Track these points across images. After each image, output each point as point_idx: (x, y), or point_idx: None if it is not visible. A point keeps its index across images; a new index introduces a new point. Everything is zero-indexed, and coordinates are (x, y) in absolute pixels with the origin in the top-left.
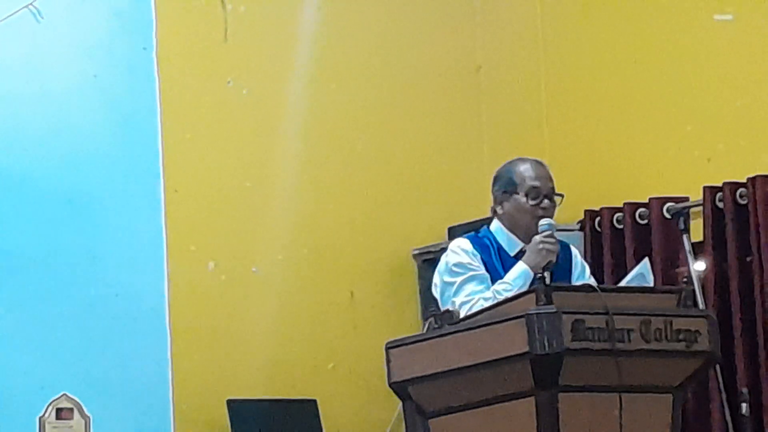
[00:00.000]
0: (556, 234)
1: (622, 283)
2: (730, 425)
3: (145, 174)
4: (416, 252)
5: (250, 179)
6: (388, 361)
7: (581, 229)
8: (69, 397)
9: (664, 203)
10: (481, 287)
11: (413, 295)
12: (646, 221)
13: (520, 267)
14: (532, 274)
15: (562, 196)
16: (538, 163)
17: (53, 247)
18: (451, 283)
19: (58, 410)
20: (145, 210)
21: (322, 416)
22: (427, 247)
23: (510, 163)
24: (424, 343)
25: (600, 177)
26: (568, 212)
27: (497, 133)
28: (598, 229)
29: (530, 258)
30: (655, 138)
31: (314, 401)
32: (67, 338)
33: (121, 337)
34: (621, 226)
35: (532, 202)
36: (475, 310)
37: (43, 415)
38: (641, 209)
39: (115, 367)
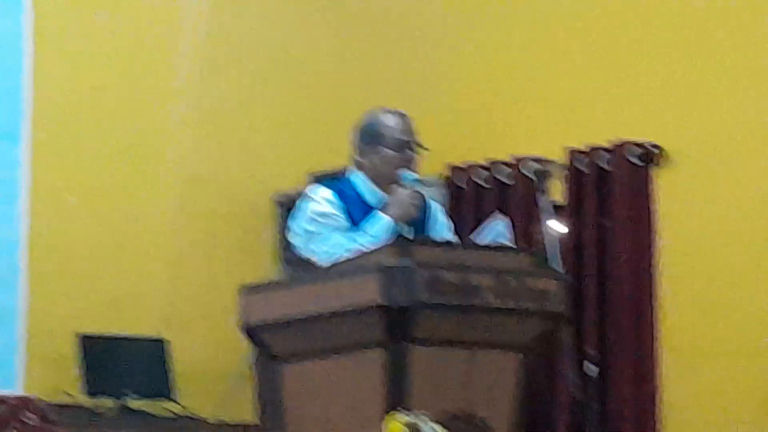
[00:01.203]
0: (418, 187)
1: (480, 239)
2: (577, 385)
3: (8, 106)
4: (276, 196)
5: (115, 118)
6: (242, 306)
7: (444, 183)
8: None
9: (527, 162)
10: (344, 239)
11: (271, 239)
12: (508, 179)
13: (384, 219)
14: (395, 225)
15: (426, 149)
16: (403, 116)
17: None
18: (313, 233)
19: None
20: (6, 142)
21: (173, 356)
22: (288, 192)
23: (375, 112)
24: (279, 289)
25: (464, 132)
26: (431, 166)
27: (360, 82)
28: (460, 184)
29: (393, 210)
30: (522, 96)
31: (165, 341)
32: None
33: None
34: (483, 183)
35: (395, 153)
36: (336, 259)
37: None
38: (504, 167)
39: None
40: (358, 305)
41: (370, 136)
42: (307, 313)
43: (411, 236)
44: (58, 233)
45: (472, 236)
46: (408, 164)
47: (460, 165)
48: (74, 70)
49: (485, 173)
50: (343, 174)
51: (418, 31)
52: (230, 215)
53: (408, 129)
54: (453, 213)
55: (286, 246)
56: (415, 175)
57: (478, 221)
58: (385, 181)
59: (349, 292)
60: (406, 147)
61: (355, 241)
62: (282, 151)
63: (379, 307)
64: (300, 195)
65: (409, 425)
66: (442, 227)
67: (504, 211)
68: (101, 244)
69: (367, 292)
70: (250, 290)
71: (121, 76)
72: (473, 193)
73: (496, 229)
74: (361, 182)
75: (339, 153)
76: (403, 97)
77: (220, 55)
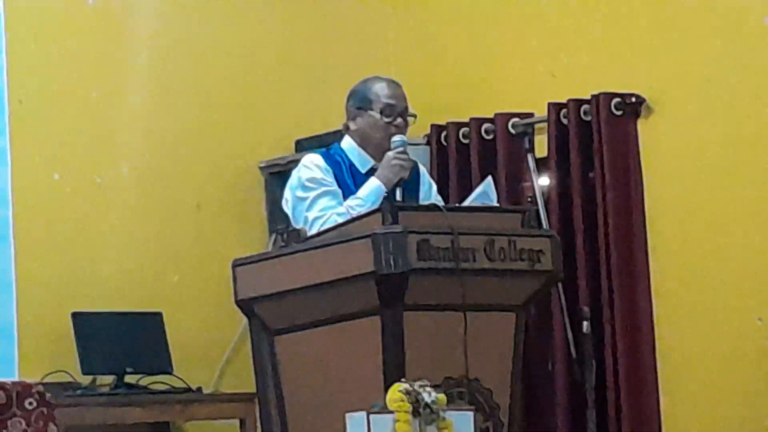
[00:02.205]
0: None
1: (467, 202)
2: (572, 343)
3: None
4: (263, 164)
5: (96, 90)
6: (235, 279)
7: (428, 143)
8: None
9: (510, 119)
10: (333, 202)
11: (260, 207)
12: (491, 137)
13: (373, 183)
14: (384, 189)
15: (415, 116)
16: (394, 83)
17: None
18: (304, 198)
19: None
20: None
21: (167, 329)
22: (275, 159)
23: (366, 80)
24: (270, 261)
25: (446, 91)
26: (415, 127)
27: (344, 47)
28: (444, 143)
29: (383, 174)
30: (501, 53)
31: (160, 314)
32: None
33: None
34: (467, 141)
35: (385, 119)
36: (328, 225)
37: None
38: (487, 124)
39: None
40: (350, 273)
41: (360, 102)
42: (299, 283)
43: (400, 199)
44: (43, 211)
45: (461, 201)
46: (398, 130)
47: (444, 124)
48: (47, 46)
49: (468, 131)
50: (330, 139)
51: None
52: (218, 184)
53: (399, 95)
54: (437, 173)
55: (276, 215)
56: (405, 139)
57: (463, 180)
58: (375, 146)
59: (341, 260)
60: (396, 113)
61: (345, 205)
62: (268, 118)
63: (372, 274)
64: (287, 162)
65: (408, 392)
66: (429, 190)
67: (488, 170)
68: (86, 220)
69: (359, 259)
70: (242, 263)
71: (95, 48)
72: (457, 153)
73: (483, 190)
74: (352, 148)
75: (325, 119)
76: (385, 60)
77: (203, 21)
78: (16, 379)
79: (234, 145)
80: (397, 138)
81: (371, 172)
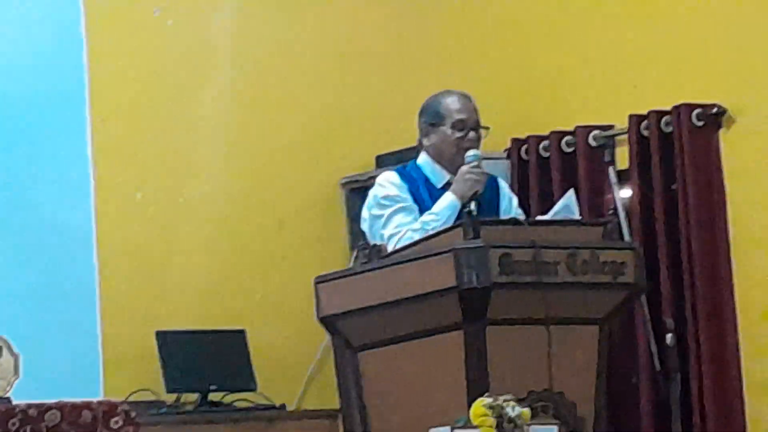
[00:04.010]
0: (484, 164)
1: (549, 216)
2: (656, 356)
3: (72, 104)
4: (344, 181)
5: (178, 108)
6: (317, 296)
7: (508, 157)
8: None
9: (590, 131)
10: (409, 218)
11: (341, 224)
12: (572, 149)
13: (448, 197)
14: (459, 204)
15: (488, 128)
16: (464, 96)
17: None
18: (380, 216)
19: None
20: (71, 140)
21: (250, 347)
22: (355, 176)
23: (436, 95)
24: (352, 277)
25: (527, 105)
26: (495, 141)
27: (424, 63)
28: (525, 157)
29: (457, 188)
30: (582, 65)
31: (243, 331)
32: None
33: (49, 270)
34: (547, 155)
35: (457, 134)
36: (404, 241)
37: None
38: (567, 137)
39: (42, 302)
40: (432, 289)
41: (432, 118)
42: (381, 299)
43: (476, 214)
44: (126, 230)
45: (542, 214)
46: (471, 144)
47: (524, 138)
48: (128, 65)
49: (548, 144)
50: (411, 154)
51: (477, 6)
52: (299, 202)
53: (469, 109)
54: (518, 186)
55: (358, 231)
56: (479, 153)
57: (544, 194)
58: (450, 161)
59: (423, 276)
60: (468, 127)
61: (420, 221)
62: (348, 134)
63: (454, 289)
64: (368, 177)
65: (492, 407)
66: (509, 204)
67: (569, 183)
68: (169, 239)
69: (441, 275)
70: (324, 279)
71: (176, 66)
72: (537, 166)
73: (565, 204)
74: (427, 164)
75: (405, 134)
76: (464, 75)
77: (283, 38)
78: (101, 398)
79: (315, 161)
80: (470, 152)
81: (447, 186)
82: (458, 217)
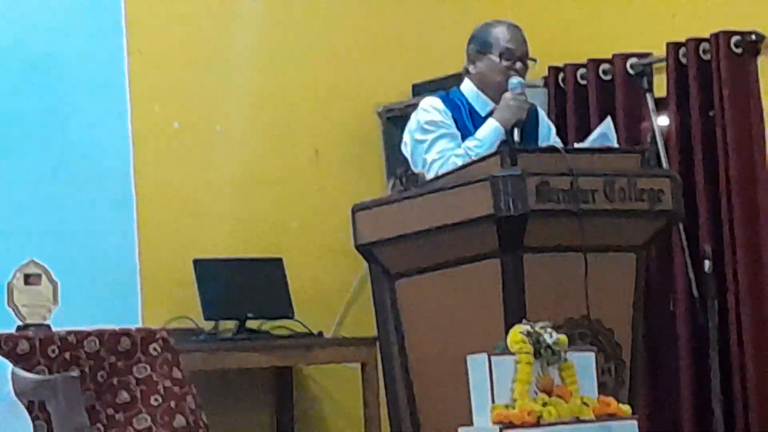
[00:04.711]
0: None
1: (586, 143)
2: (693, 283)
3: (108, 35)
4: (380, 109)
5: (214, 39)
6: (354, 224)
7: (545, 85)
8: (36, 263)
9: (628, 59)
10: (452, 144)
11: (378, 152)
12: (609, 77)
13: (491, 123)
14: (503, 130)
15: (535, 60)
16: (514, 26)
17: (17, 110)
18: (423, 141)
19: (26, 276)
20: (108, 72)
21: (288, 275)
22: (392, 104)
23: (487, 24)
24: (389, 205)
25: (564, 33)
26: (533, 70)
27: None
28: (562, 85)
29: (501, 114)
30: None
31: (280, 259)
32: (33, 202)
33: (87, 200)
34: (585, 83)
35: (505, 63)
36: (447, 167)
37: (11, 281)
38: (605, 65)
39: (81, 231)
40: (469, 217)
41: (480, 46)
42: (418, 227)
43: (518, 141)
44: (163, 160)
45: (580, 142)
46: (517, 74)
47: (561, 66)
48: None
49: (585, 72)
50: (447, 83)
51: None
52: (335, 130)
53: (518, 39)
54: (555, 115)
55: (394, 160)
56: (522, 81)
57: (581, 122)
58: (494, 89)
59: (460, 204)
60: (516, 56)
61: (463, 146)
62: (384, 63)
63: (491, 217)
64: (404, 106)
65: (529, 334)
66: (548, 133)
67: (606, 111)
68: (206, 168)
69: (478, 202)
70: (361, 207)
71: (213, 4)
72: (575, 94)
73: (602, 131)
74: (471, 91)
75: (442, 63)
76: (501, 3)
77: None
78: (140, 325)
79: (351, 90)
80: (514, 80)
81: (490, 114)
82: (500, 145)
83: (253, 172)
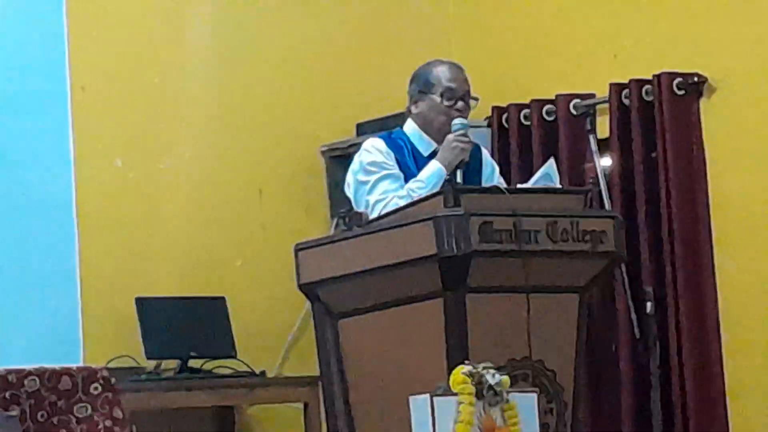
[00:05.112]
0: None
1: (529, 184)
2: (636, 324)
3: (51, 71)
4: (324, 149)
5: (158, 75)
6: (297, 264)
7: (489, 125)
8: None
9: (571, 100)
10: (395, 185)
11: (322, 192)
12: (553, 118)
13: (434, 165)
14: (445, 172)
15: (477, 99)
16: (456, 66)
17: None
18: (365, 182)
19: None
20: (51, 108)
21: (231, 314)
22: (335, 143)
23: (428, 64)
24: (333, 245)
25: (507, 73)
26: (476, 109)
27: (404, 30)
28: (506, 125)
29: (443, 156)
30: (563, 34)
31: (223, 298)
32: None
33: (28, 237)
34: (528, 123)
35: (447, 103)
36: (389, 208)
37: None
38: (548, 106)
39: (22, 268)
40: (412, 256)
41: (422, 86)
42: (361, 267)
43: (461, 182)
44: (106, 197)
45: (523, 183)
46: (459, 113)
47: (505, 106)
48: (108, 33)
49: (529, 112)
50: (391, 122)
51: None
52: (279, 169)
53: (460, 78)
54: (499, 155)
55: (338, 199)
56: (466, 122)
57: (524, 162)
58: (437, 130)
59: (403, 243)
60: (457, 96)
61: (406, 188)
62: (328, 102)
63: (434, 256)
64: (348, 145)
65: (472, 375)
66: (492, 173)
67: (550, 151)
68: (149, 206)
69: (421, 242)
70: (305, 247)
71: (155, 34)
72: (518, 134)
73: (545, 172)
74: (413, 131)
75: (386, 102)
76: (445, 43)
77: (263, 6)
78: (81, 364)
79: (295, 129)
80: (457, 121)
81: (433, 155)
82: (443, 185)
83: (196, 210)
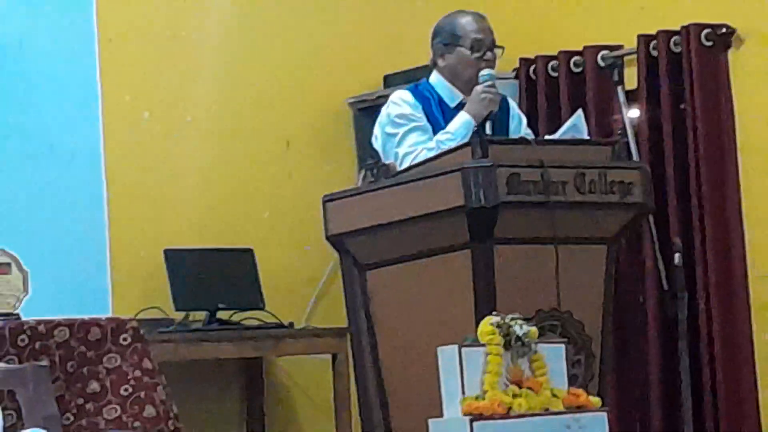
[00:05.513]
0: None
1: (557, 135)
2: (663, 275)
3: (79, 24)
4: (352, 100)
5: (185, 28)
6: (325, 215)
7: (516, 77)
8: (5, 252)
9: (599, 51)
10: (424, 137)
11: (349, 143)
12: (580, 69)
13: (463, 117)
14: (474, 123)
15: (502, 48)
16: (480, 16)
17: None
18: (394, 134)
19: None
20: (79, 60)
21: (258, 265)
22: (363, 95)
23: (451, 15)
24: (360, 196)
25: (535, 25)
26: (504, 61)
27: None
28: (533, 77)
29: (472, 107)
30: None
31: (250, 250)
32: (2, 192)
33: (57, 189)
34: (556, 75)
35: (475, 54)
36: (418, 160)
37: None
38: (576, 57)
39: (51, 220)
40: (440, 208)
41: (448, 38)
42: (389, 218)
43: (490, 133)
44: (133, 150)
45: (551, 134)
46: (488, 64)
47: (532, 57)
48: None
49: (556, 64)
50: (419, 74)
51: None
52: (307, 121)
53: (485, 29)
54: (526, 106)
55: (365, 151)
56: (493, 73)
57: (552, 114)
58: (465, 82)
59: (431, 195)
60: (485, 47)
61: (434, 139)
62: (356, 54)
63: (461, 208)
64: (375, 97)
65: (500, 326)
66: (519, 124)
67: (577, 103)
68: (177, 158)
69: (449, 194)
70: (332, 198)
71: None
72: (546, 86)
73: (573, 123)
74: (440, 83)
75: (413, 54)
76: None
77: None
78: (110, 315)
79: (322, 81)
80: (485, 72)
81: (460, 106)
82: (472, 137)
83: (223, 162)
